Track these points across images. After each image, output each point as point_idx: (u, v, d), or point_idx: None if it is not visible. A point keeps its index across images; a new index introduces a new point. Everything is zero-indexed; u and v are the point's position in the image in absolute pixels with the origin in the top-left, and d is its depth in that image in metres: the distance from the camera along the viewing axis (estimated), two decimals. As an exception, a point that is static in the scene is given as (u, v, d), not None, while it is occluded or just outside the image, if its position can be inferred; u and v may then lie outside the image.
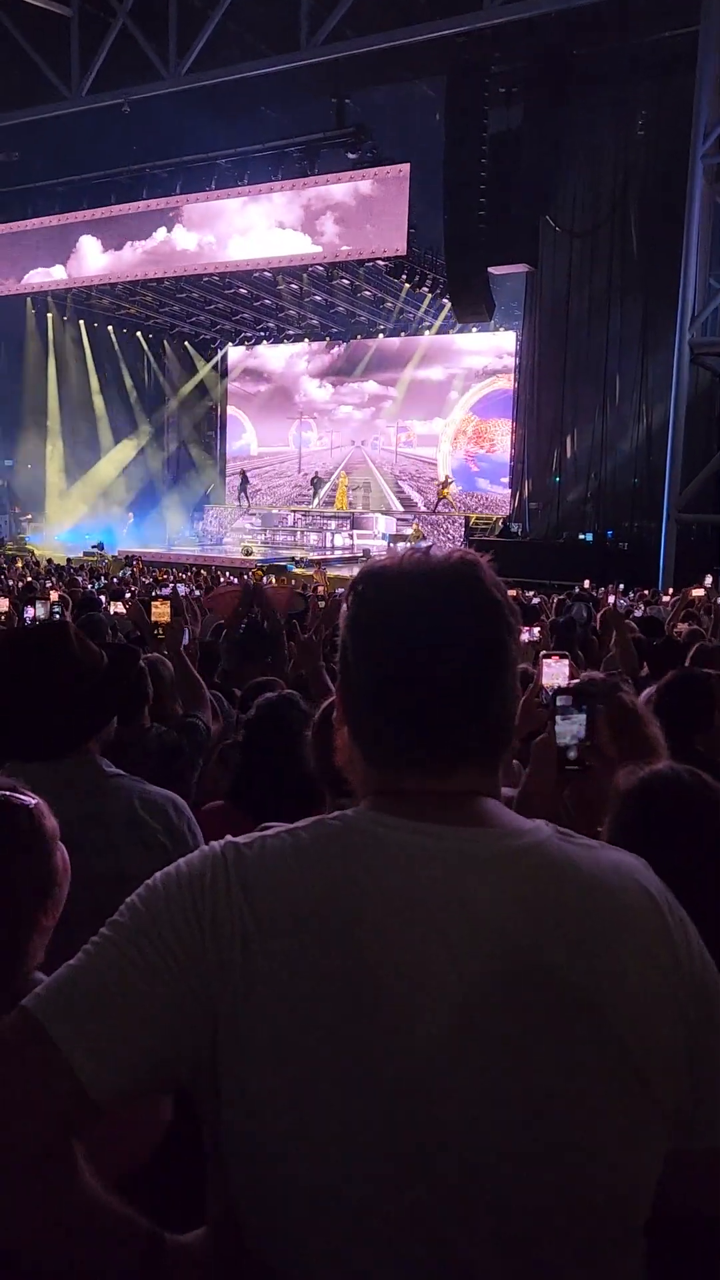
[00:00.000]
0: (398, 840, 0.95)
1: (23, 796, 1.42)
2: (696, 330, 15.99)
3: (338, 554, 25.18)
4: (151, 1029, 0.91)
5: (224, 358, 30.89)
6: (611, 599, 9.89)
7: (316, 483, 29.22)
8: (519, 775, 1.89)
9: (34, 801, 1.42)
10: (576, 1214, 0.90)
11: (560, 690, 1.73)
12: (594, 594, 12.94)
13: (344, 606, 1.05)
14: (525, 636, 4.87)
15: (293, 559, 23.21)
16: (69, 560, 20.93)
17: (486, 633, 0.99)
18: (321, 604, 6.98)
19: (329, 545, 26.27)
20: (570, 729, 1.62)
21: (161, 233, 21.48)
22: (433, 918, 0.91)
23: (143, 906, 0.96)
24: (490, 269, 18.17)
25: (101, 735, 2.05)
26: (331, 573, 20.41)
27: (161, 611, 4.31)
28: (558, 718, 1.63)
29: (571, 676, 2.54)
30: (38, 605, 5.94)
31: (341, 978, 0.90)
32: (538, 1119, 0.89)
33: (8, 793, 1.42)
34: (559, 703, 1.64)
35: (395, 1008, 0.89)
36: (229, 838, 0.99)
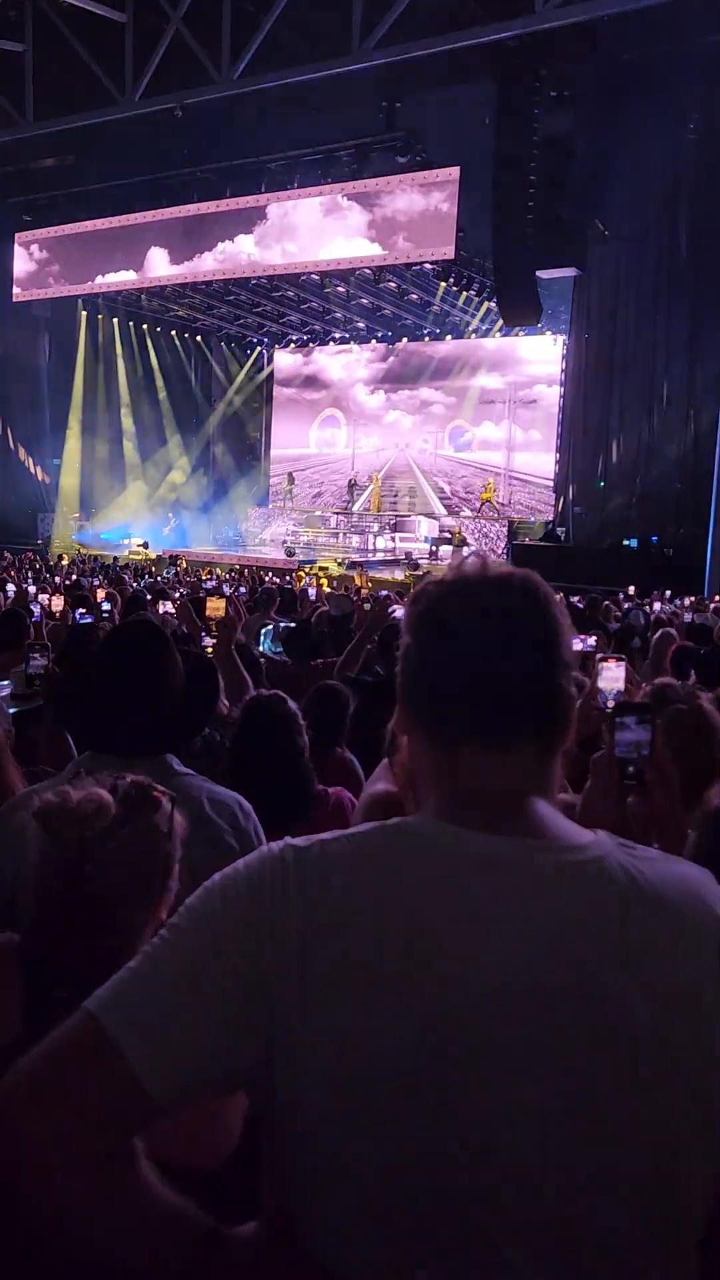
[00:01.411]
0: (457, 849, 0.96)
1: (164, 789, 1.49)
2: (746, 336, 15.82)
3: (379, 556, 25.17)
4: (209, 1033, 0.93)
5: (270, 360, 31.01)
6: (658, 605, 9.81)
7: (353, 487, 29.15)
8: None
9: (173, 795, 1.49)
10: (627, 1232, 0.91)
11: (623, 704, 1.73)
12: (629, 600, 12.85)
13: (404, 614, 1.10)
14: (578, 645, 4.84)
15: (335, 561, 23.26)
16: (115, 559, 21.13)
17: (543, 626, 1.04)
18: (366, 606, 6.99)
19: (371, 547, 26.27)
20: (631, 743, 1.62)
21: (215, 235, 21.62)
22: (490, 931, 0.92)
23: (200, 908, 0.97)
24: (538, 273, 18.08)
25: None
26: (373, 574, 20.43)
27: (216, 607, 4.36)
28: (619, 732, 1.63)
29: (628, 681, 2.55)
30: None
31: (396, 986, 0.91)
32: (589, 1138, 0.90)
33: (153, 785, 1.49)
34: (621, 718, 1.64)
35: (449, 1021, 0.90)
36: (287, 839, 1.00)
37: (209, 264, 21.91)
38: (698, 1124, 0.92)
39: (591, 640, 4.92)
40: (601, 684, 2.52)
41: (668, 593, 13.89)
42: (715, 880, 1.01)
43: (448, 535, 24.42)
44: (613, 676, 2.49)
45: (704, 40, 16.30)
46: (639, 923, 0.94)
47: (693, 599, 13.64)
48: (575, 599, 13.14)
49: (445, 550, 23.19)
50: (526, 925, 0.92)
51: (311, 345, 29.95)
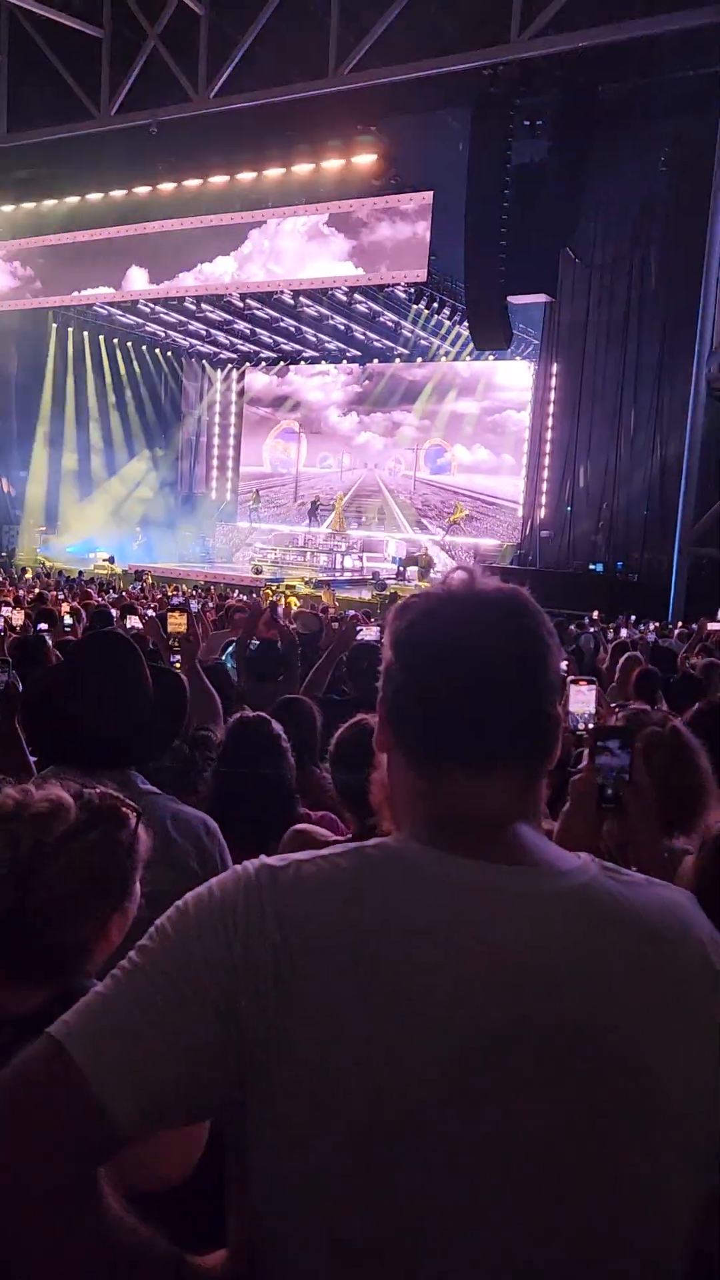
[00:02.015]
0: (438, 875, 0.93)
1: (132, 804, 1.45)
2: (714, 365, 16.05)
3: (346, 576, 25.22)
4: (180, 1061, 0.89)
5: (241, 377, 31.08)
6: (624, 632, 9.87)
7: (316, 508, 29.09)
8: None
9: (140, 812, 1.45)
10: (600, 1268, 0.88)
11: (604, 729, 1.71)
12: (595, 625, 12.94)
13: (389, 630, 1.06)
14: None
15: (302, 579, 23.27)
16: (80, 573, 20.98)
17: (530, 648, 1.01)
18: (335, 625, 6.96)
19: (338, 566, 26.32)
20: (612, 767, 1.61)
21: (193, 252, 21.70)
22: (471, 959, 0.89)
23: (172, 931, 0.93)
24: (509, 298, 18.27)
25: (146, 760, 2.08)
26: (340, 594, 20.45)
27: (178, 623, 4.33)
28: (599, 756, 1.61)
29: (599, 703, 2.53)
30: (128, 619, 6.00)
31: (372, 1015, 0.88)
32: (578, 1174, 0.87)
33: (123, 798, 1.45)
34: (603, 741, 1.62)
35: (424, 1050, 0.87)
36: (263, 859, 0.97)
37: (188, 281, 21.99)
38: (680, 1154, 0.90)
39: (563, 664, 4.92)
40: (572, 706, 2.50)
41: (633, 617, 13.98)
42: (698, 904, 1.00)
43: (415, 556, 24.52)
44: (583, 699, 2.48)
45: (677, 75, 16.62)
46: (625, 949, 0.92)
47: (656, 624, 13.74)
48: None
49: (412, 571, 23.28)
50: (510, 954, 0.90)
51: (284, 364, 30.03)
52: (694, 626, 11.55)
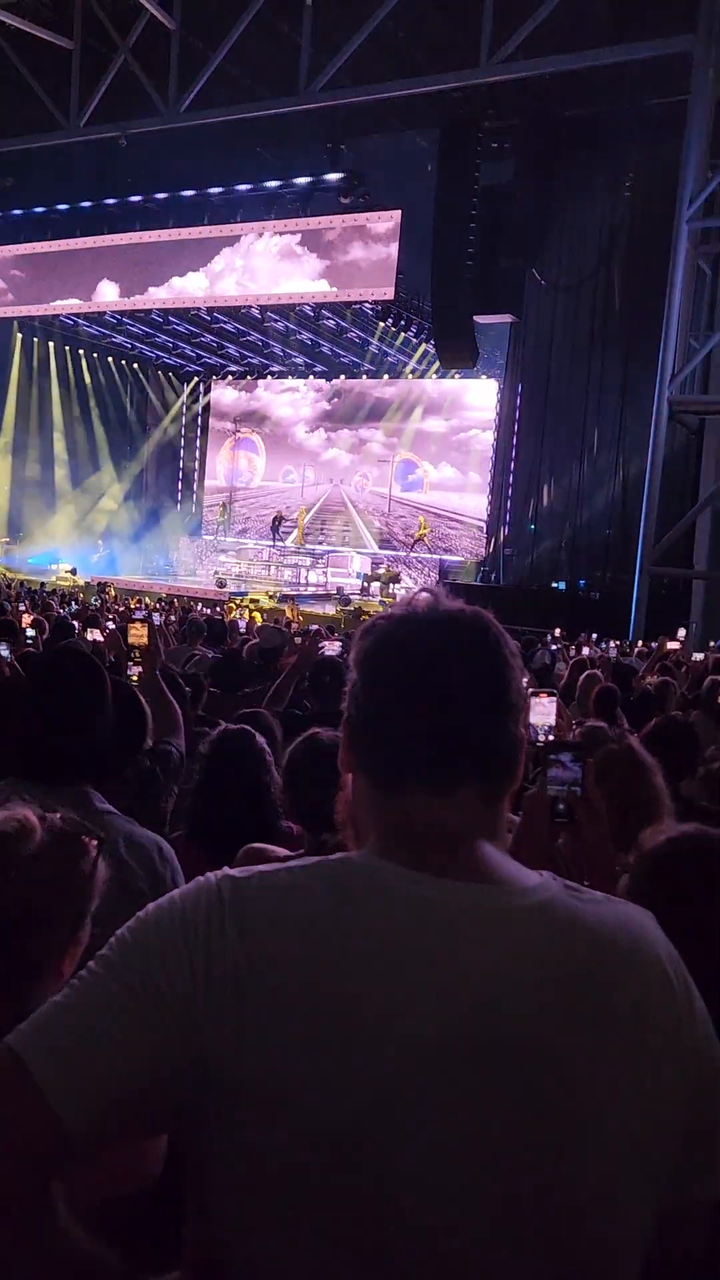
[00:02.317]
0: (399, 890, 0.93)
1: (95, 831, 1.44)
2: (675, 388, 16.26)
3: (310, 590, 25.21)
4: (139, 1071, 0.88)
5: (208, 391, 31.03)
6: (586, 650, 9.94)
7: (279, 523, 29.01)
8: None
9: (102, 840, 1.44)
10: (567, 1270, 0.88)
11: (556, 743, 1.72)
12: (556, 642, 13.02)
13: (354, 650, 1.07)
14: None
15: (266, 593, 23.24)
16: (41, 584, 20.80)
17: (492, 668, 1.02)
18: (298, 639, 6.94)
19: (302, 581, 26.31)
20: (564, 780, 1.61)
21: (164, 266, 21.69)
22: (430, 975, 0.89)
23: (132, 941, 0.93)
24: (476, 317, 18.44)
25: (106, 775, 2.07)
26: (305, 609, 20.44)
27: (139, 634, 4.28)
28: (551, 769, 1.61)
29: (559, 716, 2.54)
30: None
31: (330, 1029, 0.87)
32: (534, 1191, 0.87)
33: (87, 826, 1.44)
34: (555, 755, 1.62)
35: (383, 1065, 0.87)
36: (225, 870, 0.97)
37: (159, 294, 22.00)
38: (637, 1164, 0.90)
39: (524, 680, 4.93)
40: (532, 719, 2.51)
41: (594, 635, 14.08)
42: (656, 922, 1.00)
43: (379, 571, 24.58)
44: (544, 711, 2.49)
45: (642, 104, 16.91)
46: (585, 966, 0.92)
47: (617, 643, 13.84)
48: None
49: (375, 586, 23.33)
50: (468, 972, 0.89)
51: (250, 379, 30.01)
52: (654, 645, 11.67)
